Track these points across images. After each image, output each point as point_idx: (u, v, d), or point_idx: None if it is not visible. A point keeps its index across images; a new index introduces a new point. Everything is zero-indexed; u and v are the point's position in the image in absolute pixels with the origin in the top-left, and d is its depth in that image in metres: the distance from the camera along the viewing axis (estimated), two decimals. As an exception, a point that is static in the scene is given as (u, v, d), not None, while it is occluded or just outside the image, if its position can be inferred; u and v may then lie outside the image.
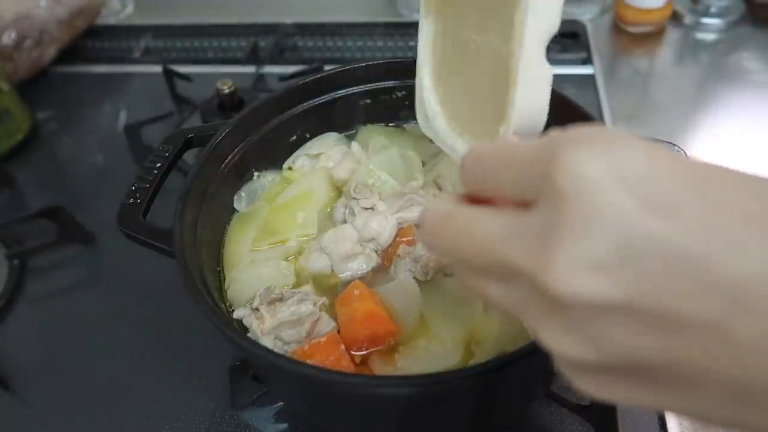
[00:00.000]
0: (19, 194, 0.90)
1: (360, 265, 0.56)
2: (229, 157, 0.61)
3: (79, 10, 1.10)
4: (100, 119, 1.03)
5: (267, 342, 0.50)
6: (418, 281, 0.53)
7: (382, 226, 0.56)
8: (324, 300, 0.53)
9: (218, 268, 0.58)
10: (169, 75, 1.00)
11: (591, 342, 0.25)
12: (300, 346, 0.49)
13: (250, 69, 1.05)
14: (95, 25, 1.18)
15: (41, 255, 0.77)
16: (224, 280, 0.57)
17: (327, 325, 0.51)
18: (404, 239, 0.56)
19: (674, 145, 0.61)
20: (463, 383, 0.41)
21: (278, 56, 1.10)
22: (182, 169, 0.77)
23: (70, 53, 1.13)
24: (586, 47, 1.04)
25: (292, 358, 0.47)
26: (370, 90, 0.68)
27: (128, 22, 1.23)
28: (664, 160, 0.25)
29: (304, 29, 1.15)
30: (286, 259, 0.58)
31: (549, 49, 0.42)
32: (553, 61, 0.42)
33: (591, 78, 0.98)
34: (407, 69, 0.64)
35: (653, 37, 1.06)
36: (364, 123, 0.70)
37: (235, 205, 0.63)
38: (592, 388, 0.27)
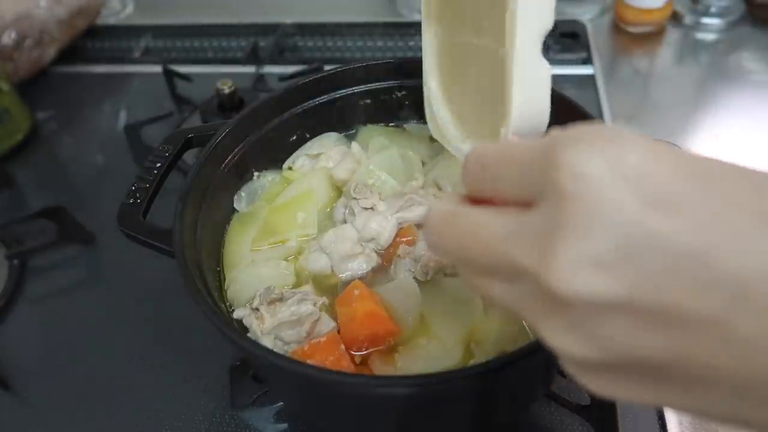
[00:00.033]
0: (19, 194, 0.90)
1: (360, 265, 0.56)
2: (229, 157, 0.61)
3: (79, 10, 1.10)
4: (100, 119, 1.03)
5: (267, 342, 0.50)
6: (418, 281, 0.53)
7: (382, 226, 0.56)
8: (324, 300, 0.53)
9: (218, 268, 0.58)
10: (169, 75, 1.01)
11: (593, 340, 0.25)
12: (300, 346, 0.49)
13: (250, 69, 1.05)
14: (95, 25, 1.18)
15: (41, 255, 0.77)
16: (224, 280, 0.57)
17: (327, 325, 0.51)
18: (404, 239, 0.56)
19: (674, 145, 0.61)
20: (463, 383, 0.41)
21: (278, 56, 1.10)
22: (182, 169, 0.77)
23: (70, 53, 1.13)
24: (586, 47, 1.03)
25: (292, 358, 0.47)
26: (370, 90, 0.67)
27: (128, 22, 1.24)
28: (664, 157, 0.25)
29: (304, 29, 1.15)
30: (286, 259, 0.58)
31: (549, 49, 0.42)
32: (553, 61, 0.42)
33: (591, 78, 0.97)
34: (407, 69, 0.64)
35: (653, 37, 1.06)
36: (364, 123, 0.70)
37: (235, 205, 0.63)
38: (595, 385, 0.27)
